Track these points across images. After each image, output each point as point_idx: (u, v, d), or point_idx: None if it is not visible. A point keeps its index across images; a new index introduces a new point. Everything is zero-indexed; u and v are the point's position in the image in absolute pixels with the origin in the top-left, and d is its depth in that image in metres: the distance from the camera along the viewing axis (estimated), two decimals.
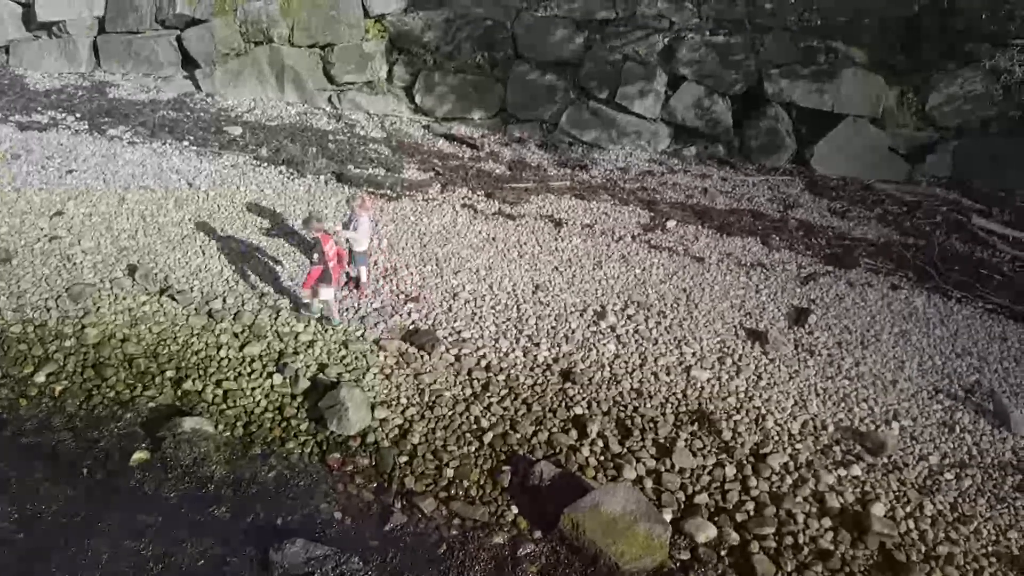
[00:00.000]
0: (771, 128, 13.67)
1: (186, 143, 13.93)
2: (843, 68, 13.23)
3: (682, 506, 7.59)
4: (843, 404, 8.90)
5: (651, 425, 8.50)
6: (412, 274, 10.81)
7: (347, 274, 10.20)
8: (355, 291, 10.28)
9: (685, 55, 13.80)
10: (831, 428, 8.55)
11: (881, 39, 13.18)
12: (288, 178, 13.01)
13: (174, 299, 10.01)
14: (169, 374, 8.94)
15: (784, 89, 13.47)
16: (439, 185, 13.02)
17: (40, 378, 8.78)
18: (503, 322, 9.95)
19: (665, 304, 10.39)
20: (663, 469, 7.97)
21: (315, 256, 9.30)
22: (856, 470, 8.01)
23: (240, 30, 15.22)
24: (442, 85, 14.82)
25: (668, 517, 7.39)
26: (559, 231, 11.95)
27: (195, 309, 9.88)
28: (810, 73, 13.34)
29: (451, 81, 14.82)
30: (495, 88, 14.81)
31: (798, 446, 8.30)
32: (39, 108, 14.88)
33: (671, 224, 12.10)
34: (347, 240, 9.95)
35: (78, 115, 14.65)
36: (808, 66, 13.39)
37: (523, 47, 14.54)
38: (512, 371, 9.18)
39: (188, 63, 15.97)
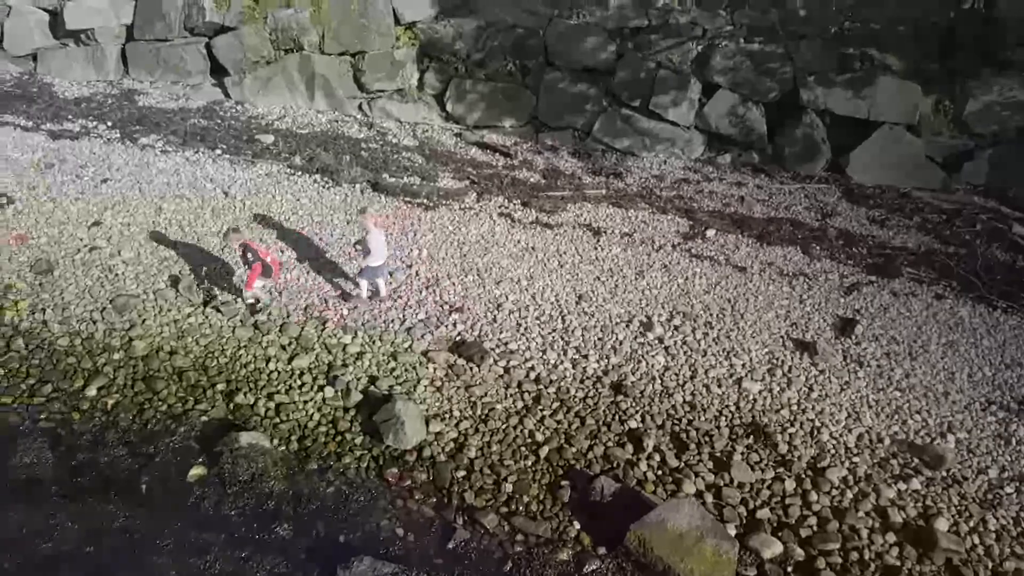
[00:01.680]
0: (806, 135, 13.62)
1: (219, 151, 13.90)
2: (879, 76, 13.18)
3: (744, 521, 7.55)
4: (896, 416, 8.85)
5: (707, 439, 8.45)
6: (454, 284, 10.77)
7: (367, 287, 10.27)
8: (374, 300, 10.24)
9: (719, 63, 13.76)
10: (887, 441, 8.50)
11: (916, 47, 13.14)
12: (323, 187, 12.98)
13: (219, 311, 9.97)
14: (220, 387, 8.90)
15: (819, 96, 13.43)
16: (475, 194, 12.98)
17: (91, 392, 8.74)
18: (549, 333, 9.91)
19: (711, 315, 10.35)
20: (722, 483, 7.92)
21: (249, 257, 9.73)
22: (915, 484, 7.96)
23: (270, 38, 15.19)
24: (473, 93, 14.78)
25: (732, 532, 7.35)
26: (598, 240, 11.91)
27: (240, 321, 9.84)
28: (845, 81, 13.30)
29: (482, 89, 14.79)
30: (526, 96, 14.78)
31: (855, 459, 8.25)
32: (70, 116, 14.86)
33: (711, 233, 12.05)
34: (363, 256, 9.95)
35: (109, 123, 14.62)
36: (843, 74, 13.34)
37: (555, 55, 14.51)
38: (562, 383, 9.13)
39: (216, 71, 15.94)
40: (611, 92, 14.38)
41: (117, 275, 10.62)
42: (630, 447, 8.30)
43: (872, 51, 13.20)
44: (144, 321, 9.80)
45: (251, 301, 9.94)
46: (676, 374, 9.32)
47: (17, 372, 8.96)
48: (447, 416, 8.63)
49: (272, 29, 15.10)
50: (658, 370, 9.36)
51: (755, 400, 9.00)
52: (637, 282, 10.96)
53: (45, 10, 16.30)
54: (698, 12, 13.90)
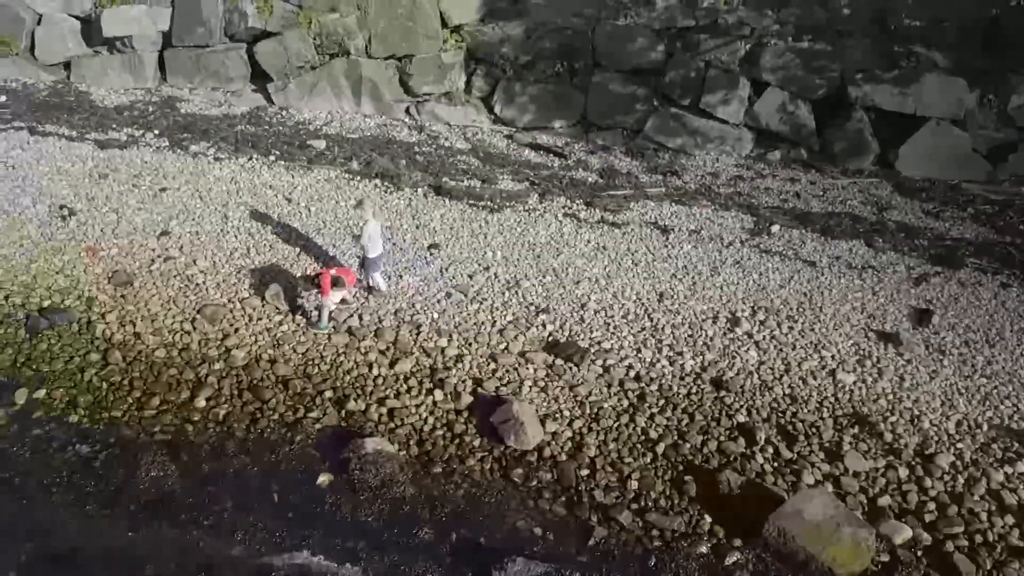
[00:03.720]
0: (856, 131, 13.92)
1: (272, 158, 13.82)
2: (925, 72, 13.52)
3: (867, 509, 7.75)
4: (987, 402, 9.13)
5: (813, 430, 8.65)
6: (534, 285, 10.85)
7: (359, 280, 10.29)
8: (375, 295, 10.29)
9: (768, 61, 14.00)
10: (984, 427, 8.77)
11: (961, 42, 13.50)
12: (385, 191, 12.98)
13: (308, 318, 9.95)
14: (328, 394, 8.90)
15: (867, 93, 13.73)
16: (536, 195, 13.07)
17: (200, 403, 8.70)
18: (639, 331, 10.05)
19: (790, 309, 10.57)
20: (838, 473, 8.13)
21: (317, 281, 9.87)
22: (1021, 467, 8.24)
23: (315, 42, 15.12)
24: (522, 95, 14.87)
25: None
26: (667, 238, 12.07)
27: (334, 327, 9.83)
28: (893, 77, 13.61)
29: (531, 91, 14.87)
30: (575, 97, 14.90)
31: (959, 445, 8.50)
32: (114, 125, 14.66)
33: (775, 228, 12.28)
34: (361, 247, 10.01)
35: (156, 131, 14.46)
36: (890, 70, 13.66)
37: (603, 56, 14.64)
38: (663, 381, 9.28)
39: (256, 76, 15.83)
40: (661, 92, 14.56)
41: (198, 284, 10.54)
42: (742, 441, 8.47)
43: (918, 48, 13.53)
44: (237, 330, 9.75)
45: (332, 308, 9.88)
46: (771, 368, 9.51)
47: (121, 385, 8.89)
48: (558, 416, 8.73)
49: (317, 34, 15.03)
50: (753, 364, 9.55)
51: (851, 391, 9.22)
52: (713, 279, 11.14)
53: (77, 17, 16.05)
54: (745, 12, 14.13)
